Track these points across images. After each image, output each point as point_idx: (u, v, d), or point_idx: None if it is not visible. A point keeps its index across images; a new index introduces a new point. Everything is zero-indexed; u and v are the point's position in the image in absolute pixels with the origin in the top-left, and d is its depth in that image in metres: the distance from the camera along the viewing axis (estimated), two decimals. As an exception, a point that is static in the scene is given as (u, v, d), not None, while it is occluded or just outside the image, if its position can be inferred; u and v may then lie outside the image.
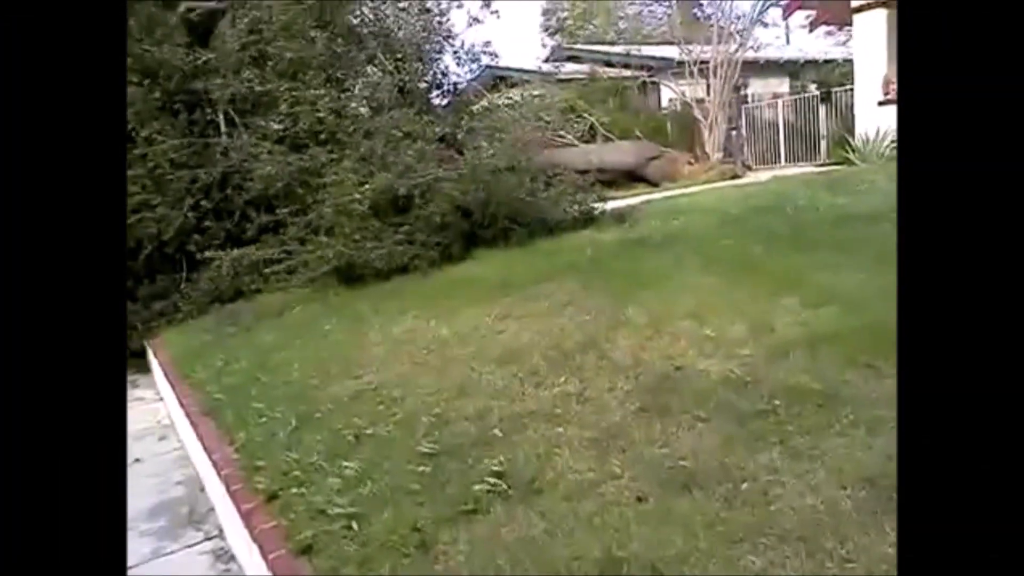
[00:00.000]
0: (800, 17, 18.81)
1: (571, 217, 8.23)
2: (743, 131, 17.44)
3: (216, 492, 3.79)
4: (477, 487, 2.94)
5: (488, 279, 6.19)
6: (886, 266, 3.87)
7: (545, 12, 32.14)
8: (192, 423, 4.73)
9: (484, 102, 12.87)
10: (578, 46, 24.36)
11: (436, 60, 10.48)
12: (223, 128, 8.13)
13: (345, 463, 3.41)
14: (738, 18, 17.43)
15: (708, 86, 16.64)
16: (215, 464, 3.94)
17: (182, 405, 5.11)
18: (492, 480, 2.97)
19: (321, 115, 7.41)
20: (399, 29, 9.85)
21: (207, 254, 6.78)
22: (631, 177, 14.50)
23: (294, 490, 3.29)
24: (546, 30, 32.34)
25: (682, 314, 4.53)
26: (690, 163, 14.92)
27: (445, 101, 10.83)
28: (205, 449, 4.16)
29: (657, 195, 11.67)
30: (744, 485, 2.66)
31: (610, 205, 8.91)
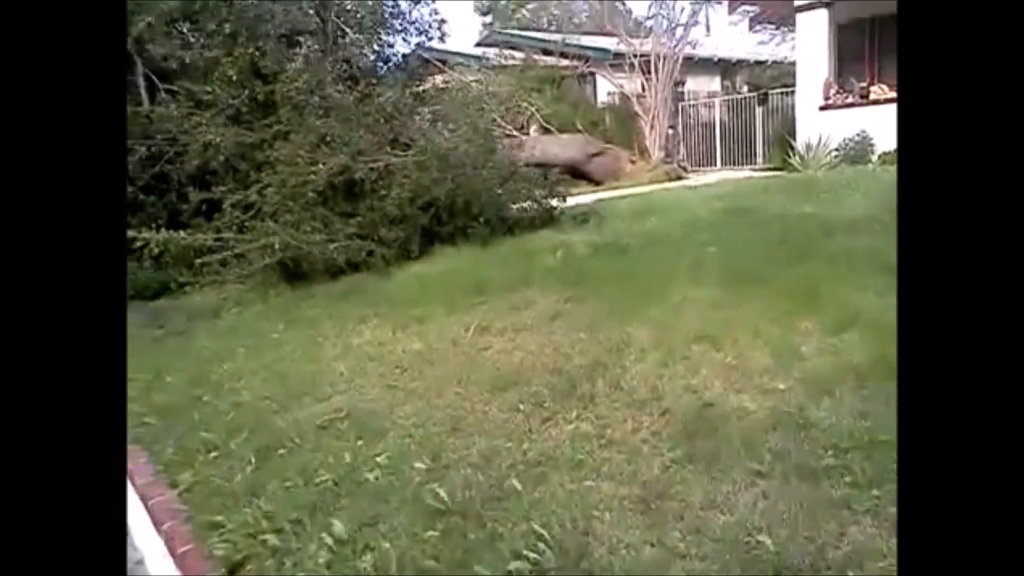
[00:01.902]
0: (728, 16, 18.83)
1: (528, 215, 7.71)
2: (679, 130, 17.34)
3: (152, 553, 3.03)
4: (514, 566, 2.38)
5: (455, 282, 5.58)
6: (894, 283, 3.57)
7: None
8: (114, 449, 3.93)
9: (426, 84, 12.11)
10: (512, 31, 23.77)
11: (380, 34, 9.67)
12: (143, 95, 7.13)
13: (331, 519, 2.77)
14: (670, 13, 17.17)
15: (646, 81, 16.42)
16: (151, 514, 3.20)
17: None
18: (531, 556, 2.41)
19: (268, 86, 6.55)
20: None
21: (139, 235, 5.80)
22: (572, 173, 14.07)
23: (268, 561, 2.63)
24: (479, 11, 31.60)
25: (691, 334, 4.10)
26: (632, 161, 14.63)
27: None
28: (137, 493, 3.40)
29: (605, 194, 11.31)
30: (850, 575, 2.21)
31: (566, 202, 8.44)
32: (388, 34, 8.96)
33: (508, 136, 14.87)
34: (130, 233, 5.95)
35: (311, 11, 8.02)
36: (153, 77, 7.32)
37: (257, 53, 7.01)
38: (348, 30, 7.68)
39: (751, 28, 18.72)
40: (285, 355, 4.65)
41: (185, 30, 7.23)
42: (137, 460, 3.68)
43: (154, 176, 6.78)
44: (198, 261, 6.01)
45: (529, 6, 27.86)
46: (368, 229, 6.34)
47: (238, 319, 5.54)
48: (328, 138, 6.45)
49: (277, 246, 5.85)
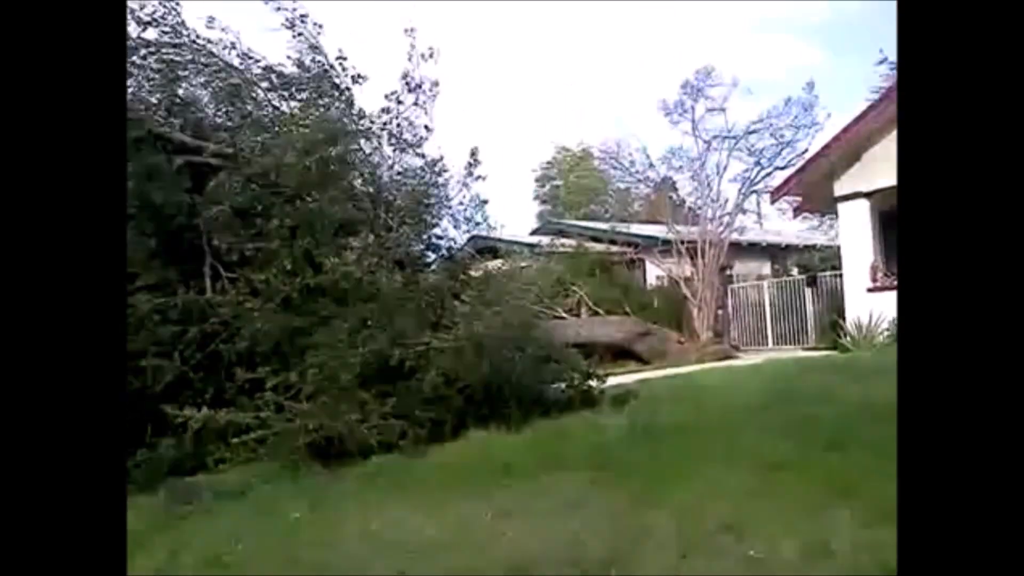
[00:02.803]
0: (777, 203, 19.49)
1: (568, 396, 7.73)
2: (729, 311, 17.45)
3: None
4: None
5: (484, 465, 5.53)
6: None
7: (539, 179, 33.40)
8: (121, 634, 3.85)
9: (474, 269, 12.70)
10: (565, 220, 25.06)
11: (431, 223, 10.31)
12: (207, 282, 7.68)
13: None
14: (714, 201, 17.92)
15: (694, 265, 16.83)
16: None
17: (112, 608, 4.22)
18: None
19: (320, 276, 7.03)
20: (397, 191, 9.76)
21: (181, 412, 6.03)
22: (619, 353, 14.15)
23: None
24: (538, 198, 33.46)
25: (716, 525, 3.91)
26: (680, 342, 14.68)
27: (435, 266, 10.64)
28: None
29: (651, 374, 11.27)
30: None
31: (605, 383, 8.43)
32: (436, 225, 9.55)
33: (556, 318, 15.21)
34: (173, 410, 6.19)
35: (366, 206, 8.71)
36: (218, 266, 7.92)
37: (312, 243, 7.57)
38: (394, 224, 8.24)
39: (795, 216, 19.28)
40: (302, 537, 4.58)
41: (248, 224, 7.89)
42: (136, 647, 3.58)
43: (206, 355, 7.14)
44: (234, 440, 6.16)
45: (587, 202, 29.47)
46: (402, 410, 6.42)
47: (264, 498, 5.54)
48: (368, 323, 6.75)
49: (311, 427, 5.97)
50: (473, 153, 8.74)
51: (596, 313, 16.40)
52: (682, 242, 17.05)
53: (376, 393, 6.48)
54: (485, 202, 9.46)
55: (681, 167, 19.58)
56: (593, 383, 8.05)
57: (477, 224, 9.83)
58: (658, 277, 18.94)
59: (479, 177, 8.79)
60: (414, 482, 5.39)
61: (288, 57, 8.93)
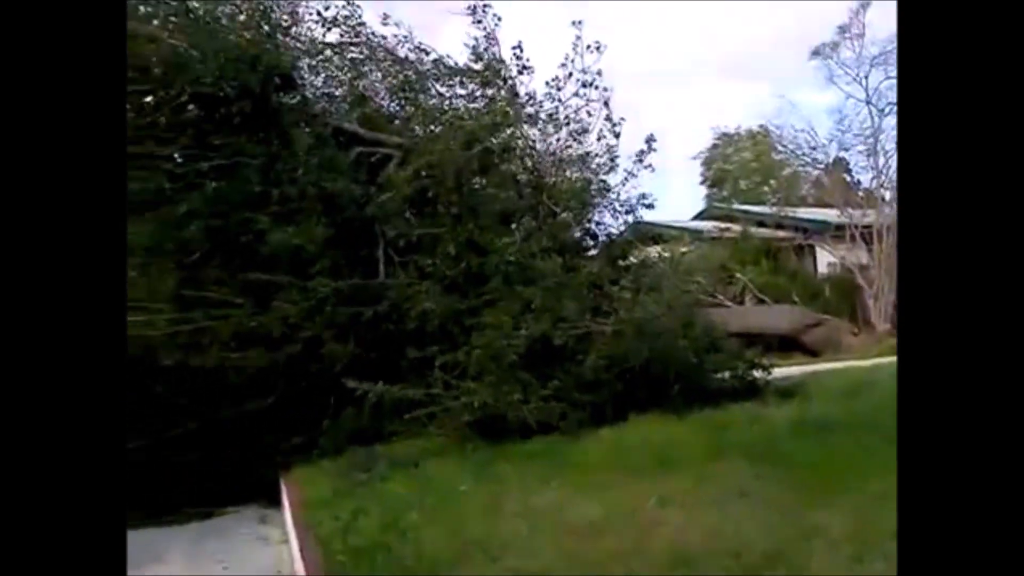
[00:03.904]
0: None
1: (731, 386, 7.53)
2: (912, 301, 16.08)
3: None
4: None
5: (645, 450, 5.54)
6: None
7: (702, 163, 32.49)
8: (312, 585, 4.29)
9: (634, 255, 12.60)
10: (729, 205, 24.13)
11: (591, 210, 10.34)
12: (381, 267, 8.22)
13: None
14: (893, 181, 16.49)
15: (870, 252, 15.69)
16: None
17: (304, 560, 4.69)
18: None
19: (484, 260, 7.35)
20: (556, 179, 9.89)
21: (360, 385, 6.58)
22: (786, 344, 13.51)
23: None
24: (701, 182, 32.56)
25: (890, 529, 3.68)
26: (854, 333, 13.78)
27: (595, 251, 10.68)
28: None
29: (821, 366, 10.68)
30: None
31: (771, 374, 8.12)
32: (596, 210, 9.57)
33: (718, 306, 14.77)
34: (354, 384, 6.72)
35: (528, 192, 8.91)
36: (390, 251, 8.46)
37: (476, 230, 7.89)
38: (557, 209, 8.37)
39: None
40: (469, 510, 4.84)
41: (417, 211, 8.35)
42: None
43: (378, 335, 7.67)
44: (407, 415, 6.61)
45: (754, 177, 28.24)
46: (563, 392, 6.57)
47: (434, 470, 5.90)
48: (532, 306, 6.94)
49: (476, 404, 6.27)
50: (648, 140, 8.61)
51: (762, 301, 15.73)
52: (856, 227, 15.93)
53: (538, 375, 6.67)
54: (650, 205, 9.26)
55: (849, 146, 18.19)
56: (758, 373, 7.80)
57: (636, 214, 9.73)
58: (830, 264, 17.81)
59: (648, 166, 8.66)
60: (574, 464, 5.50)
61: (466, 45, 9.15)
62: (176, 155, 7.98)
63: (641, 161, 8.56)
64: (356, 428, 7.07)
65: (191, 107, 7.94)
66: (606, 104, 8.82)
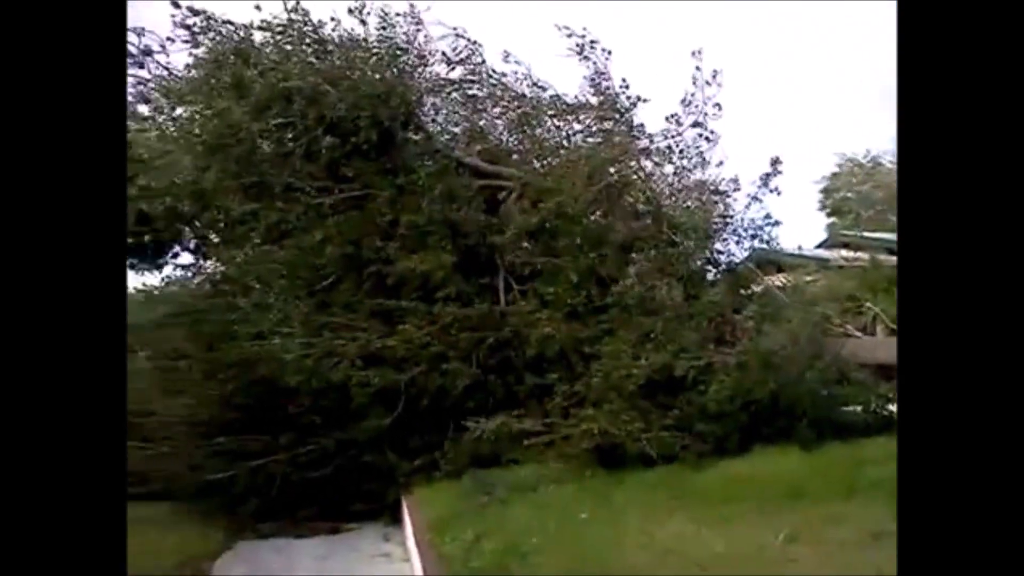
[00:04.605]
0: None
1: (864, 420, 7.12)
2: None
3: None
4: None
5: (772, 485, 5.33)
6: None
7: (824, 191, 31.13)
8: (436, 603, 4.40)
9: (757, 284, 12.22)
10: (856, 232, 22.97)
11: (712, 238, 10.16)
12: (501, 294, 8.43)
13: None
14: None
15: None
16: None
17: (427, 578, 4.83)
18: None
19: (605, 291, 7.40)
20: (675, 209, 9.79)
21: (475, 422, 6.80)
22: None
23: None
24: (823, 209, 31.18)
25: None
26: (1004, 368, 12.69)
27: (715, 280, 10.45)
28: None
29: (966, 403, 9.92)
30: None
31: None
32: (719, 240, 9.40)
33: (847, 336, 14.03)
34: (475, 420, 6.90)
35: (648, 223, 8.88)
36: (510, 279, 8.66)
37: (596, 260, 7.94)
38: (676, 239, 8.29)
39: None
40: (589, 537, 4.82)
41: (537, 241, 8.52)
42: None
43: (499, 361, 7.86)
44: (526, 442, 6.69)
45: (877, 207, 26.81)
46: (685, 423, 6.45)
47: (553, 496, 5.93)
48: (652, 335, 6.88)
49: (596, 432, 6.26)
50: (774, 163, 8.38)
51: (895, 332, 14.80)
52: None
53: (658, 404, 6.59)
54: (776, 223, 9.01)
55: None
56: (893, 408, 7.33)
57: (762, 239, 9.45)
58: (973, 295, 16.57)
59: (774, 190, 8.43)
60: (697, 496, 5.37)
61: (584, 83, 9.30)
62: (310, 187, 8.53)
63: (766, 184, 8.34)
64: (476, 451, 7.22)
65: (326, 138, 8.46)
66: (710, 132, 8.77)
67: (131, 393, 9.43)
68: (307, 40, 9.00)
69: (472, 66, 10.22)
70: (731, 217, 9.84)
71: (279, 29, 8.89)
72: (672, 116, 8.95)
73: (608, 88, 9.19)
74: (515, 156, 10.37)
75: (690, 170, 9.39)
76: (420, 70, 10.00)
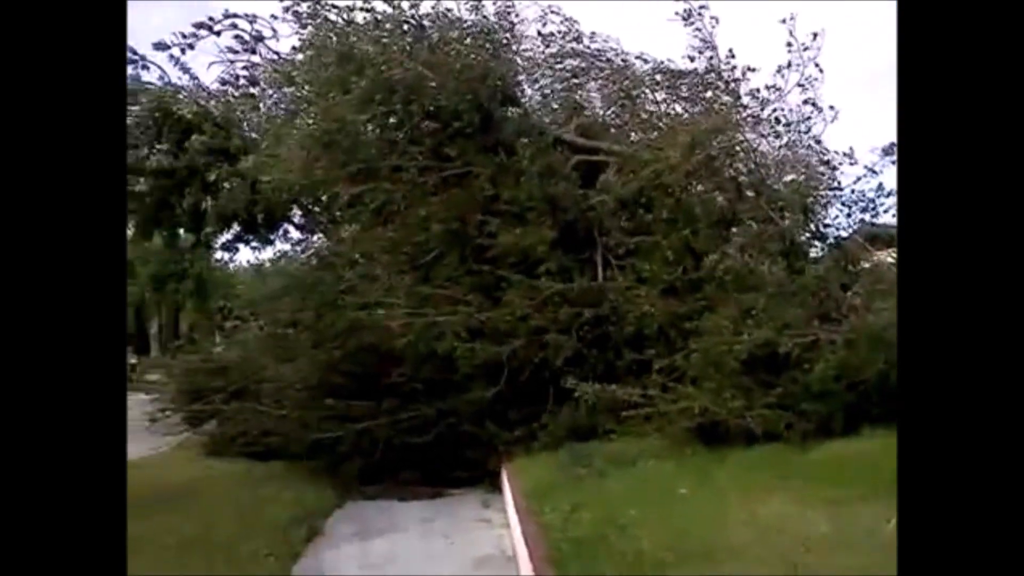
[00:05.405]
0: None
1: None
2: None
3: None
4: None
5: (880, 467, 5.12)
6: None
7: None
8: (534, 567, 4.53)
9: (865, 259, 11.67)
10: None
11: (816, 213, 9.75)
12: (600, 269, 8.44)
13: None
14: None
15: None
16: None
17: (527, 544, 4.96)
18: None
19: (701, 266, 7.29)
20: (780, 181, 9.45)
21: (578, 385, 6.86)
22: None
23: None
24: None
25: None
26: None
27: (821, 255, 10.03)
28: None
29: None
30: None
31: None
32: (826, 214, 9.03)
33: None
34: (572, 383, 6.97)
35: (749, 196, 8.62)
36: (608, 255, 8.66)
37: (692, 236, 7.82)
38: (778, 213, 8.03)
39: None
40: (689, 513, 4.83)
41: (634, 216, 8.48)
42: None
43: (597, 336, 7.90)
44: (624, 414, 6.70)
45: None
46: (788, 401, 6.29)
47: (652, 470, 5.95)
48: (753, 311, 6.73)
49: (696, 410, 6.21)
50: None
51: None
52: None
53: (760, 382, 6.45)
54: (890, 194, 8.56)
55: None
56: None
57: (875, 212, 9.02)
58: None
59: (894, 161, 8.03)
60: (801, 475, 5.27)
61: (686, 56, 9.08)
62: (414, 168, 8.77)
63: (889, 154, 7.95)
64: (574, 424, 7.32)
65: (427, 123, 8.66)
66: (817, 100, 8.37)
67: (247, 360, 9.99)
68: (405, 24, 9.18)
69: (567, 41, 10.18)
70: (840, 190, 9.44)
71: (379, 14, 9.11)
72: (772, 87, 8.64)
73: (712, 57, 8.94)
74: (612, 130, 10.28)
75: (796, 139, 9.06)
76: (515, 47, 10.05)
